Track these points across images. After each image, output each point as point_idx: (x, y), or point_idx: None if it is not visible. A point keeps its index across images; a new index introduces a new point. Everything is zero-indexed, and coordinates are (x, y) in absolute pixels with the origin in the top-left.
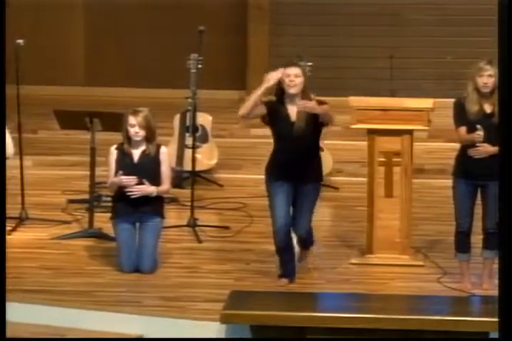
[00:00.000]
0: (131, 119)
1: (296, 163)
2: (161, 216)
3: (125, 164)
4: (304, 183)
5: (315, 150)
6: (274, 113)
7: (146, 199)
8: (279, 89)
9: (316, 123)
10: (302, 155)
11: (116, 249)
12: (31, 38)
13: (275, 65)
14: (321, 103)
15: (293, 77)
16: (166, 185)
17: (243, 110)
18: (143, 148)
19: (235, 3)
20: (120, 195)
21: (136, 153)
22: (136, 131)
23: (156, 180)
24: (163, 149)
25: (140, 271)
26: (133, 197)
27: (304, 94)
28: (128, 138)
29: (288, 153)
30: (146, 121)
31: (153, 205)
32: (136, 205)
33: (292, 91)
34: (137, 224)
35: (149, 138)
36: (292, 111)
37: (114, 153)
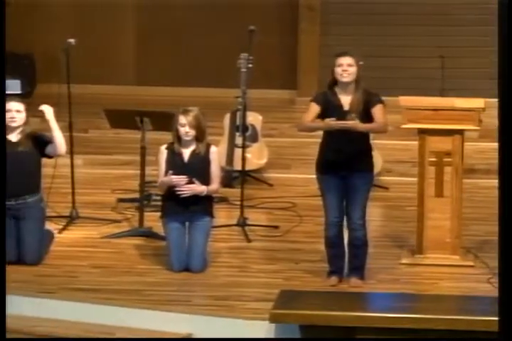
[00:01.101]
0: (182, 119)
1: (346, 154)
2: (211, 215)
3: (175, 163)
4: (354, 175)
5: (366, 141)
6: (326, 103)
7: (195, 199)
8: (332, 79)
9: (368, 114)
10: (353, 145)
11: (166, 248)
12: (82, 37)
13: (325, 64)
14: (371, 96)
15: (345, 66)
16: (215, 185)
17: (302, 130)
18: (193, 147)
19: (285, 3)
20: (170, 194)
21: (186, 153)
22: (187, 131)
23: (205, 180)
24: (213, 148)
25: (190, 271)
26: (183, 196)
27: (357, 83)
28: (178, 138)
29: (338, 143)
30: (197, 121)
31: (203, 205)
32: (186, 205)
33: (345, 80)
34: (187, 224)
35: (199, 137)
36: (345, 100)
37: (164, 152)
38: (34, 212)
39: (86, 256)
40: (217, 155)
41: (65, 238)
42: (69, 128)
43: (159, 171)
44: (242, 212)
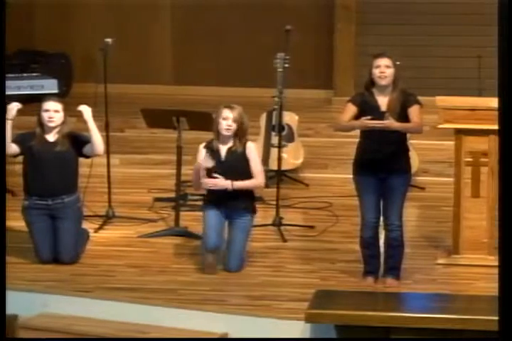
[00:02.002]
0: (226, 112)
1: (384, 155)
2: (252, 212)
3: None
4: (392, 176)
5: (404, 142)
6: (363, 104)
7: (236, 196)
8: (370, 80)
9: (405, 114)
10: (391, 146)
11: (202, 230)
12: (120, 37)
13: (361, 64)
14: (408, 96)
15: (383, 67)
16: (257, 180)
17: (339, 130)
18: (230, 144)
19: (322, 3)
20: (210, 192)
21: (223, 150)
22: (229, 124)
23: (243, 177)
24: (249, 144)
25: (227, 270)
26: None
27: (395, 84)
28: (218, 133)
29: (376, 144)
30: (240, 117)
31: (244, 202)
32: (227, 202)
33: (382, 82)
34: (226, 223)
35: (239, 134)
36: (382, 101)
37: (202, 151)
38: (71, 212)
39: (122, 255)
40: (255, 150)
41: (102, 237)
42: (105, 128)
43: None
44: (277, 212)
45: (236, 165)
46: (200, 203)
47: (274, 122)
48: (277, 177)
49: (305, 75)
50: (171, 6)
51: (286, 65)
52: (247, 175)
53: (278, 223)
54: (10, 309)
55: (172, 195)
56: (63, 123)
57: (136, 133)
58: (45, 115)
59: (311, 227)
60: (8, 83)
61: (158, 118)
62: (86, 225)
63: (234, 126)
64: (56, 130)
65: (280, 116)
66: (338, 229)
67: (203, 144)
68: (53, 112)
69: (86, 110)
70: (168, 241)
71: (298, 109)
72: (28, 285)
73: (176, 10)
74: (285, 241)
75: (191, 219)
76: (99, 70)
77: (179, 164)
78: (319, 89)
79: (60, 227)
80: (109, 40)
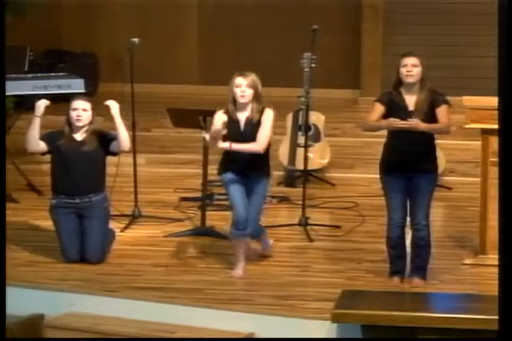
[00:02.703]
0: (239, 80)
1: (411, 155)
2: (267, 175)
3: (232, 131)
4: (419, 175)
5: (431, 141)
6: (391, 104)
7: (252, 162)
8: (397, 79)
9: (433, 114)
10: (417, 146)
11: (230, 202)
12: (146, 37)
13: (388, 64)
14: (436, 96)
15: (410, 66)
16: (258, 143)
17: (366, 130)
18: (248, 113)
19: (349, 3)
20: (226, 160)
21: (242, 120)
22: (243, 91)
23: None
24: (266, 110)
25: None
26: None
27: (422, 83)
28: (233, 102)
29: (403, 144)
30: (254, 83)
31: (260, 167)
32: (244, 168)
33: (409, 80)
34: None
35: (255, 100)
36: (410, 101)
37: (221, 116)
38: (98, 211)
39: (148, 254)
40: (270, 117)
41: (128, 237)
42: (132, 128)
43: (212, 128)
44: (304, 212)
45: (255, 134)
46: (226, 203)
47: (300, 122)
48: (304, 177)
49: (332, 75)
50: (198, 5)
51: (313, 65)
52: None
53: (304, 223)
54: (36, 308)
55: (198, 194)
56: (91, 122)
57: (162, 133)
58: (73, 114)
59: (338, 227)
60: (35, 82)
61: (185, 117)
62: (112, 224)
63: (248, 92)
64: (84, 129)
65: (307, 116)
66: (365, 228)
67: (222, 111)
68: (81, 111)
69: (113, 105)
70: (194, 240)
71: (324, 109)
72: (55, 284)
73: (203, 9)
74: (311, 241)
75: (217, 219)
76: (125, 70)
77: (205, 164)
78: (346, 88)
79: (87, 226)
80: (135, 39)
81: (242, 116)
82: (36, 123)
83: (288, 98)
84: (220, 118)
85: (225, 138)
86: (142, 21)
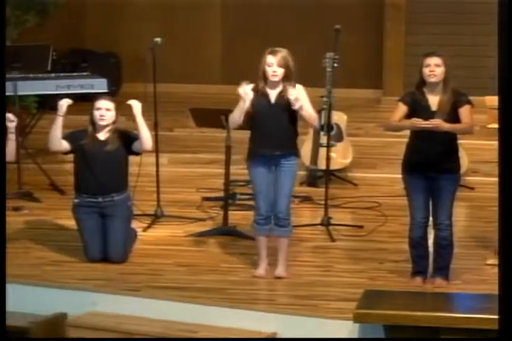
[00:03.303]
0: (270, 58)
1: (433, 155)
2: (297, 155)
3: (261, 104)
4: (441, 175)
5: (453, 141)
6: (414, 104)
7: (282, 139)
8: (420, 79)
9: (456, 114)
10: (440, 146)
11: (253, 191)
12: (169, 37)
13: (411, 64)
14: (459, 96)
15: (433, 66)
16: (312, 116)
17: (388, 130)
18: (280, 88)
19: (371, 3)
20: (256, 135)
21: (273, 94)
22: (274, 70)
23: (291, 122)
24: (297, 86)
25: (275, 214)
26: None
27: (445, 83)
28: (265, 79)
29: (426, 143)
30: (285, 60)
31: (290, 145)
32: (273, 147)
33: (432, 80)
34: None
35: (287, 78)
36: (433, 101)
37: (251, 93)
38: (121, 211)
39: (171, 254)
40: (303, 91)
41: (150, 236)
42: (154, 127)
43: (239, 105)
44: (326, 212)
45: (284, 109)
46: (248, 203)
47: (323, 122)
48: (326, 176)
49: (354, 75)
50: (221, 5)
51: (336, 65)
52: (294, 120)
53: (327, 223)
54: (59, 307)
55: (221, 194)
56: (114, 122)
57: (185, 133)
58: (96, 113)
59: (360, 227)
60: (58, 82)
61: (207, 117)
62: (135, 224)
63: (280, 71)
64: (107, 129)
65: (329, 116)
66: (387, 228)
67: (250, 86)
68: (105, 111)
69: (135, 105)
70: (216, 240)
71: (347, 109)
72: (78, 283)
73: (226, 9)
74: (334, 240)
75: (240, 218)
76: (148, 70)
77: (228, 163)
78: (368, 88)
79: (110, 226)
80: (158, 39)
81: (273, 92)
82: (59, 122)
83: (310, 98)
84: (250, 94)
85: (254, 111)
86: (165, 21)
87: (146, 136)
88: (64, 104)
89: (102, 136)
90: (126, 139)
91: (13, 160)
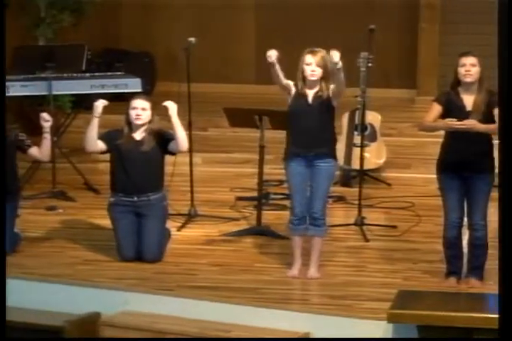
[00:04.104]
0: (309, 58)
1: (468, 155)
2: (334, 157)
3: (299, 104)
4: (476, 175)
5: (488, 142)
6: (449, 104)
7: (319, 140)
8: (455, 79)
9: (491, 115)
10: (475, 146)
11: (289, 191)
12: (203, 36)
13: (445, 63)
14: (494, 96)
15: (469, 66)
16: None
17: (423, 130)
18: (317, 88)
19: (406, 2)
20: (293, 136)
21: (310, 94)
22: (313, 70)
23: (326, 122)
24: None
25: (310, 214)
26: None
27: (481, 83)
28: (302, 79)
29: (460, 143)
30: (324, 61)
31: (327, 146)
32: (309, 147)
33: (468, 80)
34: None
35: (325, 78)
36: (468, 101)
37: (293, 88)
38: (156, 210)
39: (204, 254)
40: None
41: (184, 236)
42: (188, 127)
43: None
44: (360, 212)
45: (322, 110)
46: (282, 202)
47: (356, 122)
48: (360, 176)
49: (388, 75)
50: (255, 5)
51: (370, 65)
52: (331, 120)
53: (360, 223)
54: (92, 306)
55: (254, 193)
56: (150, 121)
57: (218, 132)
58: (132, 113)
59: (394, 227)
60: (92, 82)
61: (241, 117)
62: (169, 224)
63: (318, 71)
64: (143, 128)
65: (363, 116)
66: (421, 229)
67: (293, 82)
68: (140, 110)
69: (171, 106)
70: (250, 240)
71: (381, 109)
72: (111, 283)
73: (260, 9)
74: (367, 240)
75: (273, 218)
76: (182, 69)
77: (261, 163)
78: (402, 88)
79: (145, 225)
80: (192, 39)
81: (311, 92)
82: (94, 123)
83: (344, 97)
84: (292, 89)
85: (292, 111)
86: (200, 21)
87: (182, 137)
88: (99, 105)
89: (138, 135)
90: (162, 139)
91: (47, 159)
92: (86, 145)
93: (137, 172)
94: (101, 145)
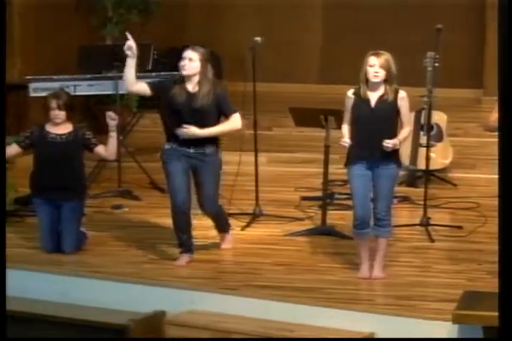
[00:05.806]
0: (373, 59)
1: None
2: (397, 163)
3: (361, 109)
4: None
5: None
6: None
7: (379, 144)
8: None
9: None
10: None
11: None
12: (269, 36)
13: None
14: None
15: None
16: (406, 129)
17: (488, 130)
18: (381, 92)
19: (473, 2)
20: (355, 142)
21: (374, 98)
22: (376, 71)
23: (392, 126)
24: (401, 94)
25: (375, 216)
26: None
27: None
28: (366, 81)
29: None
30: (388, 63)
31: (387, 152)
32: (371, 151)
33: None
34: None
35: (388, 80)
36: None
37: (351, 97)
38: (210, 164)
39: (269, 253)
40: (406, 99)
41: (249, 235)
42: (253, 126)
43: (344, 116)
44: (425, 212)
45: (386, 114)
46: (347, 202)
47: (422, 122)
48: (425, 177)
49: (455, 74)
50: (322, 5)
51: (436, 64)
52: (395, 124)
53: (425, 223)
54: (157, 305)
55: (319, 193)
56: (202, 73)
57: (283, 132)
58: (180, 63)
59: (459, 228)
60: None
61: (307, 116)
62: (233, 223)
63: (381, 73)
64: (195, 80)
65: (429, 116)
66: (487, 229)
67: (352, 91)
68: (187, 60)
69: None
70: (314, 239)
71: (447, 109)
72: (176, 282)
73: (327, 10)
74: (433, 241)
75: (338, 218)
76: (248, 69)
77: (326, 163)
78: (469, 88)
79: (200, 178)
80: (258, 38)
81: (374, 96)
82: (129, 64)
83: (411, 97)
84: (350, 99)
85: (354, 117)
86: (266, 21)
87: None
88: (132, 44)
89: (191, 88)
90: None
91: (113, 158)
92: (126, 85)
93: (189, 124)
94: (144, 88)
